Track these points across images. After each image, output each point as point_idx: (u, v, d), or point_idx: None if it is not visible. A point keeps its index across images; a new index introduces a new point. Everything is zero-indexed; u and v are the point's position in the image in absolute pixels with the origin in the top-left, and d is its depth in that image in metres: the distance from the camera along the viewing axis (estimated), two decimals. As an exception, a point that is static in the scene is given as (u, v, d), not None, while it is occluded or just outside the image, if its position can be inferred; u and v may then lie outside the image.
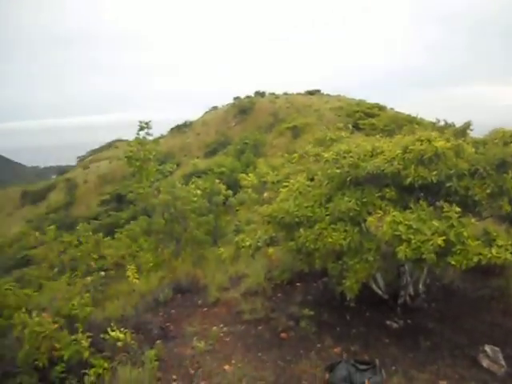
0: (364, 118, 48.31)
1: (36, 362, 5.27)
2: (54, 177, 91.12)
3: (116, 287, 9.60)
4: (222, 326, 6.58)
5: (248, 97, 73.31)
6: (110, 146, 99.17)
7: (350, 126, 12.72)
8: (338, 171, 5.62)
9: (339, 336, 5.95)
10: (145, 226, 9.63)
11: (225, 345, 6.06)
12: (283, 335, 6.11)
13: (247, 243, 6.27)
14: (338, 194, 5.61)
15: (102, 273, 10.03)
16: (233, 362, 5.58)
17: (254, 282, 7.52)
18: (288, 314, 6.52)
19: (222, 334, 6.31)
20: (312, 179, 6.48)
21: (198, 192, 10.06)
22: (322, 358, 5.45)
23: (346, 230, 5.22)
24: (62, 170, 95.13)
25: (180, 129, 76.09)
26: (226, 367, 5.44)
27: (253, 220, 11.66)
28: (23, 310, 5.84)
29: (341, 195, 5.53)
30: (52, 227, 11.88)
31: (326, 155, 5.92)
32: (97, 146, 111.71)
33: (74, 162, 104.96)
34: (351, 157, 5.56)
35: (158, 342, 6.00)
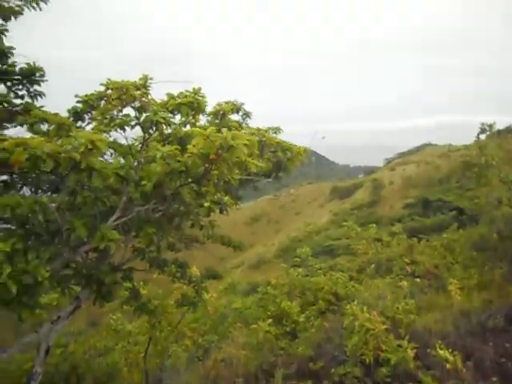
0: None
1: (362, 357, 5.22)
2: (361, 176, 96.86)
3: (431, 297, 8.95)
4: None
5: None
6: (418, 150, 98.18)
7: None
8: None
9: None
10: (475, 237, 8.52)
11: None
12: None
13: None
14: None
15: (417, 279, 9.54)
16: None
17: None
18: None
19: None
20: None
21: (549, 209, 8.22)
22: None
23: None
24: (369, 170, 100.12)
25: (501, 134, 67.85)
26: None
27: None
28: (355, 302, 5.92)
29: None
30: (373, 225, 12.09)
31: None
32: (404, 150, 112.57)
33: (381, 163, 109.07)
34: None
35: (495, 379, 5.06)
